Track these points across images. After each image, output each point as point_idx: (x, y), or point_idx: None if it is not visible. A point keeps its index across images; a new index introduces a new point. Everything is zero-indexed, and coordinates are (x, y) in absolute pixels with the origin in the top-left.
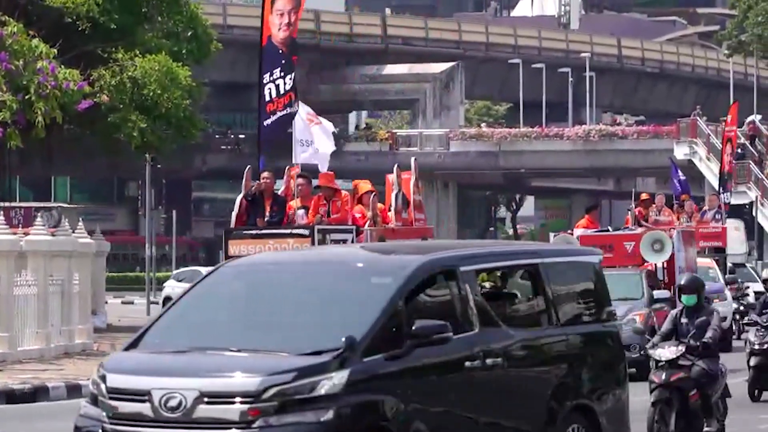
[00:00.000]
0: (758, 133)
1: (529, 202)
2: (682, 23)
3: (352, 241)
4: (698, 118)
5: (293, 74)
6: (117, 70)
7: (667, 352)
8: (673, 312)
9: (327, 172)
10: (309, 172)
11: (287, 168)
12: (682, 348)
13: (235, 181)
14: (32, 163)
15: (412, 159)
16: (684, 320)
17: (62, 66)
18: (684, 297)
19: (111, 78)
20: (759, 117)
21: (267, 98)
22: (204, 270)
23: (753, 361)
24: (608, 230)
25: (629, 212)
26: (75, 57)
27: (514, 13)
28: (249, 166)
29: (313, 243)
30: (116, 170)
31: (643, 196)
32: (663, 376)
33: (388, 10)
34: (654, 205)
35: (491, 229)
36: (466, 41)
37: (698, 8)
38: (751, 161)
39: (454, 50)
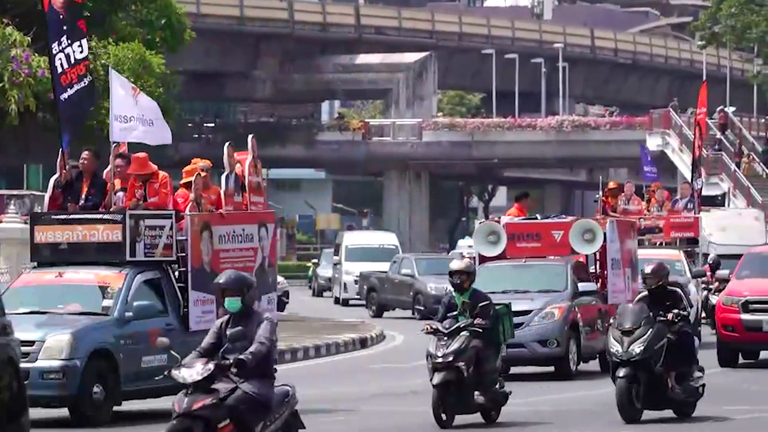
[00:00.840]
0: (729, 123)
1: (502, 192)
2: (655, 14)
3: (171, 228)
4: (672, 110)
5: (83, 41)
6: (90, 57)
7: (192, 371)
8: (218, 322)
9: (139, 154)
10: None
11: (113, 146)
12: (211, 366)
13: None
14: (6, 151)
15: (249, 137)
16: (230, 331)
17: (36, 54)
18: (227, 301)
19: None
20: (733, 109)
21: (59, 70)
22: None
23: (436, 378)
24: (536, 218)
25: (596, 202)
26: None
27: (488, 3)
28: (61, 149)
29: (124, 230)
30: None
31: (611, 184)
32: (184, 403)
33: (361, 0)
34: (623, 194)
35: (463, 219)
36: (439, 31)
37: None
38: (724, 153)
39: (427, 40)
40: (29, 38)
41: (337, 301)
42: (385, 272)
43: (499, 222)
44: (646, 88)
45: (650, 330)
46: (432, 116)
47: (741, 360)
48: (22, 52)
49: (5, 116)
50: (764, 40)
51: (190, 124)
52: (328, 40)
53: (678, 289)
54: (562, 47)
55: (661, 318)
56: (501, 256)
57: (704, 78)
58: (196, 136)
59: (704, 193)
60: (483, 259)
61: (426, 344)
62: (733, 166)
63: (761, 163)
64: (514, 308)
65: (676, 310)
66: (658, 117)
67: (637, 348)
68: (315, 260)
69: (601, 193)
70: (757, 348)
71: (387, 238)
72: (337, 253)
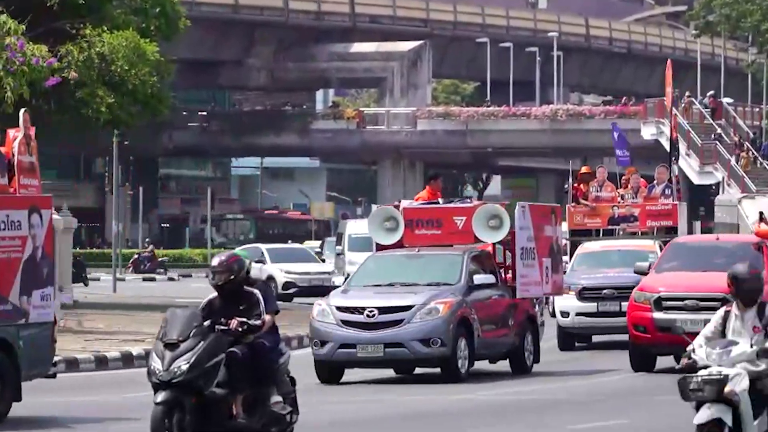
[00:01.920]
0: (723, 111)
1: (496, 181)
2: (650, 3)
3: None
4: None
5: None
6: (85, 45)
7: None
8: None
9: None
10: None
11: None
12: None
13: (201, 159)
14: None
15: (22, 111)
16: None
17: (30, 42)
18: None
19: (79, 54)
20: (729, 100)
21: None
22: None
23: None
24: (438, 202)
25: (566, 192)
26: (43, 33)
27: None
28: None
29: None
30: (83, 147)
31: (583, 170)
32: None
33: None
34: (595, 180)
35: None
36: (434, 20)
37: None
38: (718, 143)
39: (421, 29)
40: (24, 26)
41: None
42: None
43: (398, 207)
44: (640, 78)
45: (201, 343)
46: (426, 105)
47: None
48: (17, 41)
49: (0, 104)
50: (759, 29)
51: (185, 113)
52: (322, 28)
53: (256, 291)
54: (557, 36)
55: (223, 327)
56: (399, 245)
57: (698, 66)
58: (191, 124)
59: (698, 182)
60: (380, 248)
61: None
62: (727, 155)
63: (754, 152)
64: (394, 303)
65: (242, 318)
66: (653, 106)
67: (182, 365)
68: (318, 250)
69: (571, 179)
70: (670, 352)
71: None
72: (339, 242)
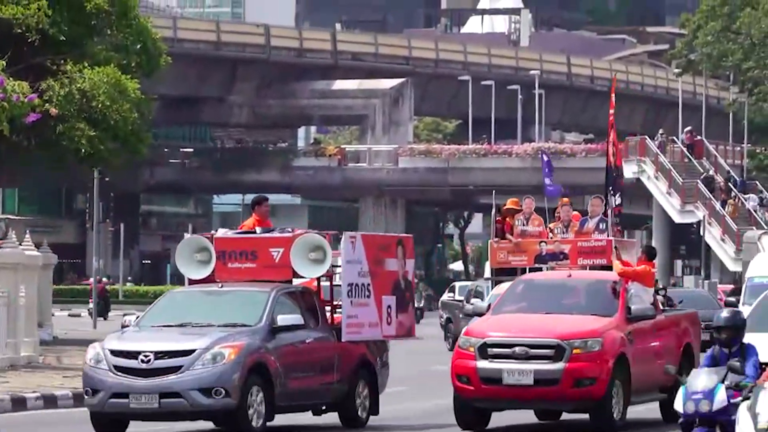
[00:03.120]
0: (698, 144)
1: (477, 219)
2: (632, 42)
3: None
4: (647, 137)
5: None
6: (66, 81)
7: None
8: None
9: None
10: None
11: None
12: None
13: (183, 195)
14: None
15: None
16: None
17: (11, 78)
18: None
19: (60, 89)
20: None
21: None
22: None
23: None
24: (254, 232)
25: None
26: (24, 69)
27: (464, 29)
28: None
29: None
30: (64, 183)
31: (508, 203)
32: None
33: (338, 26)
34: (521, 213)
35: (439, 245)
36: (416, 57)
37: (648, 27)
38: (699, 181)
39: (403, 66)
40: (4, 62)
41: None
42: (460, 301)
43: (211, 237)
44: (622, 116)
45: None
46: (408, 142)
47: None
48: None
49: None
50: (740, 68)
51: (166, 149)
52: (304, 65)
53: None
54: (539, 74)
55: None
56: (210, 279)
57: (680, 105)
58: (172, 161)
59: (680, 220)
60: (191, 282)
61: None
62: (708, 194)
63: (741, 196)
64: (173, 347)
65: None
66: (634, 144)
67: None
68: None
69: (494, 212)
70: (495, 407)
71: None
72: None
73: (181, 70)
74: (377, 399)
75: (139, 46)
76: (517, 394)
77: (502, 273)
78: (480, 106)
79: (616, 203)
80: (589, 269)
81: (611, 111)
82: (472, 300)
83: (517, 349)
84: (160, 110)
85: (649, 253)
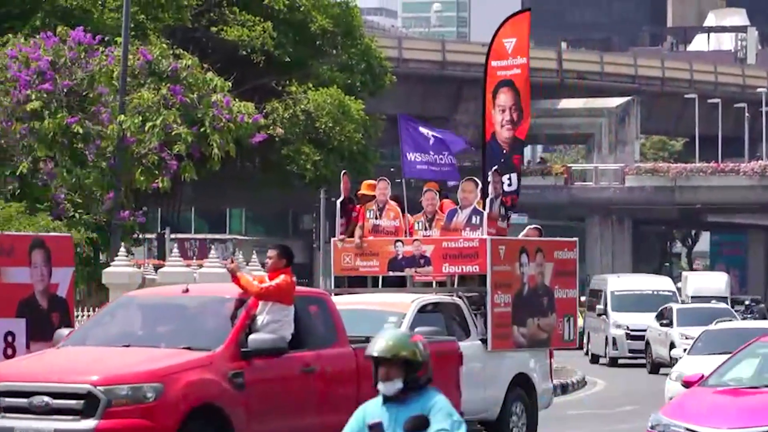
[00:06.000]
0: None
1: (705, 237)
2: None
3: None
4: None
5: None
6: (290, 103)
7: None
8: None
9: None
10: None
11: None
12: None
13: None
14: (206, 195)
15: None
16: None
17: (236, 99)
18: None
19: (284, 111)
20: None
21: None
22: None
23: None
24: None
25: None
26: (249, 90)
27: (690, 47)
28: None
29: None
30: (290, 203)
31: (364, 186)
32: None
33: (563, 45)
34: (373, 201)
35: (666, 264)
36: (642, 76)
37: None
38: None
39: (629, 84)
40: (230, 83)
41: (594, 359)
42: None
43: None
44: None
45: None
46: (635, 161)
47: None
48: (223, 98)
49: (206, 161)
50: None
51: (392, 169)
52: (531, 84)
53: None
54: (765, 92)
55: None
56: None
57: None
58: (398, 180)
59: None
60: None
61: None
62: None
63: None
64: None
65: None
66: None
67: None
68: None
69: (340, 201)
70: None
71: (661, 283)
72: (598, 299)
73: (407, 89)
74: None
75: (363, 66)
76: None
77: (349, 283)
78: (706, 124)
79: (508, 189)
80: (457, 279)
81: None
82: None
83: (35, 399)
84: (388, 130)
85: (287, 254)
